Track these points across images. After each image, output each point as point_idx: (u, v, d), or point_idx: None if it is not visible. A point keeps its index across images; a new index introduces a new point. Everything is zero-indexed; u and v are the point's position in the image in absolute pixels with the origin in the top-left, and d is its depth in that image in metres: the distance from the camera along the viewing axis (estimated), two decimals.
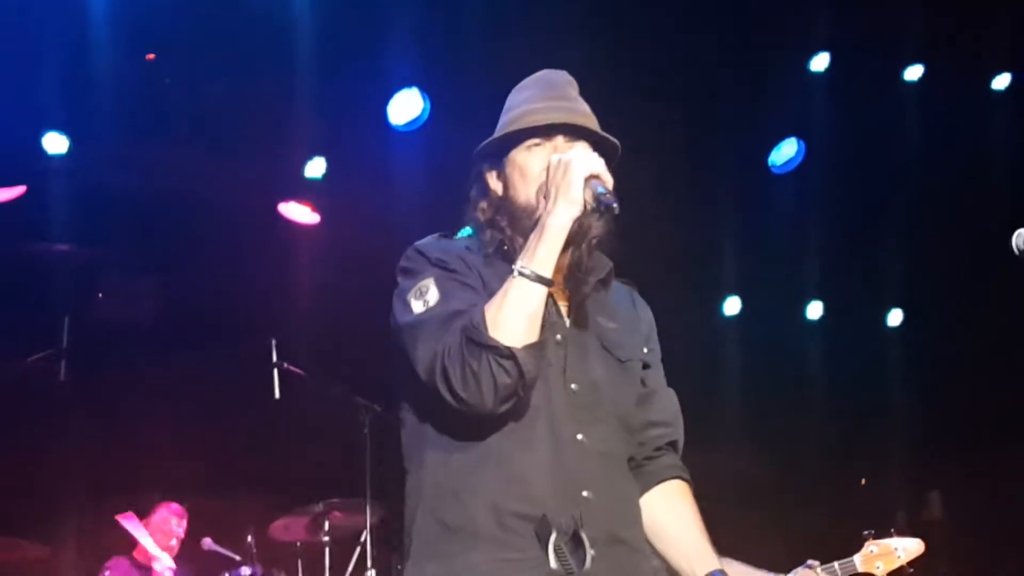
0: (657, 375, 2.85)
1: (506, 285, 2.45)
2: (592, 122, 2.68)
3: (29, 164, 6.45)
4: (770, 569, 4.21)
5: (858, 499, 8.20)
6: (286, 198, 6.67)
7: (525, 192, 2.63)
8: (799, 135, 7.00)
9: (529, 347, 2.41)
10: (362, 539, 5.75)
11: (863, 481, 8.19)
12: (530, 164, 2.63)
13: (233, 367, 6.51)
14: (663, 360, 2.91)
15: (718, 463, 7.31)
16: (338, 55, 5.97)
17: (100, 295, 7.04)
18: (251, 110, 6.16)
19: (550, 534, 2.57)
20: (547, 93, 2.74)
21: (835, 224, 7.11)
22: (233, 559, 6.10)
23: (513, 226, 2.63)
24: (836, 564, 4.07)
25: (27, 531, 6.20)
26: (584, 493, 2.60)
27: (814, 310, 8.04)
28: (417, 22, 6.13)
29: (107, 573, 6.21)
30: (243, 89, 6.08)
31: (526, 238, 2.52)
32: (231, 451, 6.97)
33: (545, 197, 2.51)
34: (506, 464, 2.58)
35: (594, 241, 2.58)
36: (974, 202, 6.86)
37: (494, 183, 2.72)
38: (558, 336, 2.63)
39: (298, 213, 6.71)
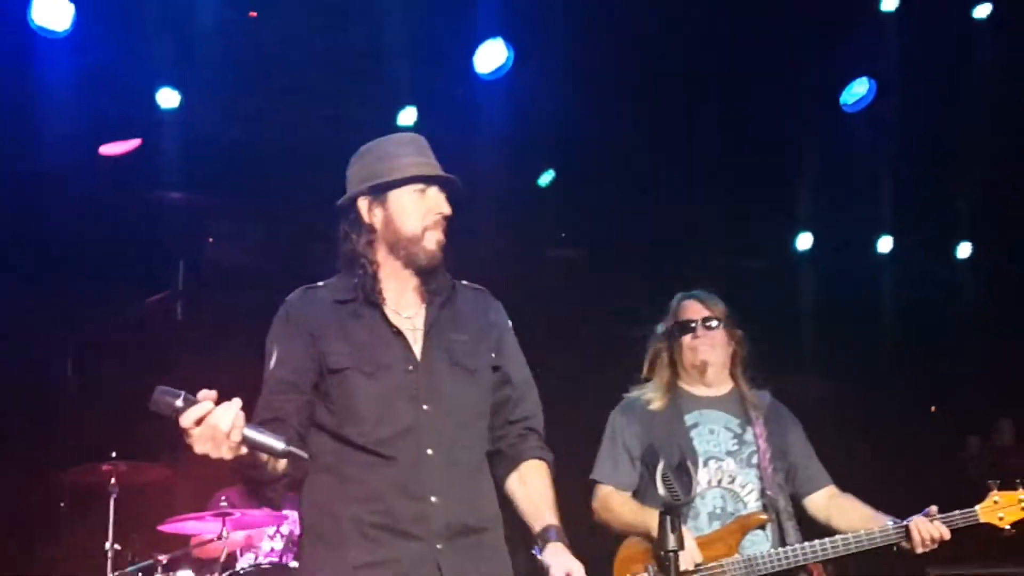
0: (514, 370, 3.28)
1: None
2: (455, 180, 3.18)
3: (144, 118, 6.60)
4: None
5: (931, 426, 8.22)
6: None
7: (411, 225, 3.09)
8: (871, 75, 6.91)
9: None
10: None
11: (932, 408, 8.14)
12: (416, 204, 3.11)
13: None
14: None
15: (792, 392, 7.39)
16: (426, 8, 5.98)
17: (211, 239, 7.19)
18: (347, 63, 6.25)
19: (657, 463, 2.89)
20: (422, 152, 3.21)
21: (906, 160, 7.06)
22: None
23: (394, 252, 3.11)
24: (957, 513, 3.98)
25: (150, 456, 6.43)
26: (432, 499, 2.99)
27: (885, 244, 7.94)
28: None
29: (222, 499, 6.45)
30: (339, 43, 6.16)
31: (405, 262, 3.11)
32: None
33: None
34: (364, 484, 3.00)
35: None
36: None
37: (372, 217, 3.13)
38: (409, 367, 3.07)
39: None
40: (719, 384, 4.32)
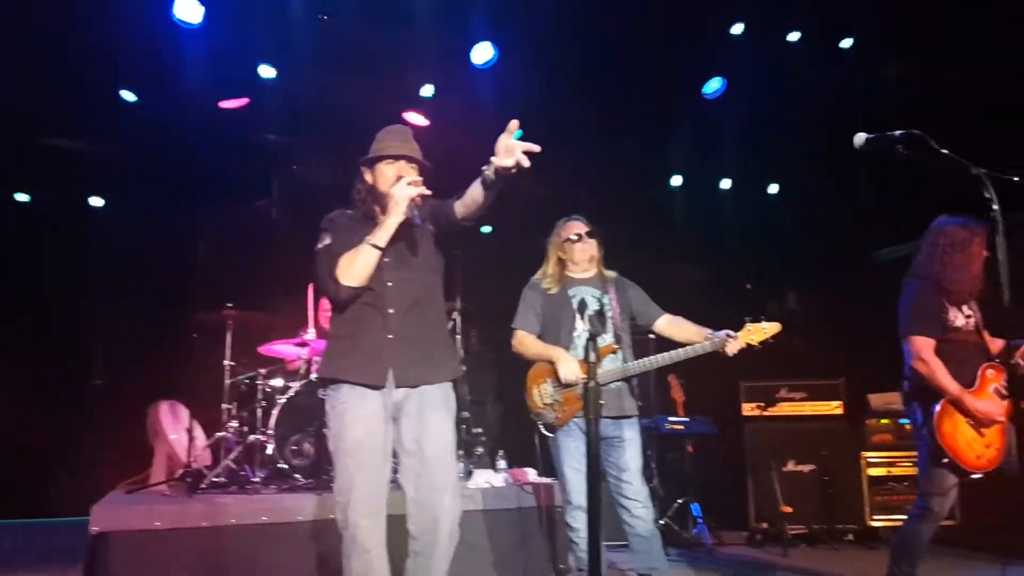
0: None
1: (360, 249, 3.10)
2: (419, 155, 3.32)
3: (251, 84, 6.55)
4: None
5: (747, 296, 8.17)
6: (408, 109, 6.71)
7: (384, 185, 3.25)
8: (723, 75, 6.99)
9: (352, 287, 3.11)
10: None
11: (748, 285, 8.29)
12: (388, 172, 3.26)
13: None
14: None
15: (671, 274, 7.46)
16: (440, 19, 5.93)
17: (295, 167, 7.05)
18: (391, 56, 6.18)
19: (585, 309, 3.02)
20: (400, 138, 3.35)
21: (741, 131, 7.17)
22: None
23: (376, 202, 3.27)
24: (724, 332, 4.07)
25: (256, 307, 6.39)
26: (389, 311, 3.20)
27: (725, 184, 7.98)
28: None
29: (303, 334, 6.40)
30: (384, 40, 6.06)
31: (382, 208, 3.20)
32: None
33: (388, 205, 3.14)
34: (351, 304, 3.21)
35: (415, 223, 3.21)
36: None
37: (368, 177, 3.32)
38: (387, 259, 3.18)
39: (415, 119, 6.75)
40: (588, 270, 4.41)
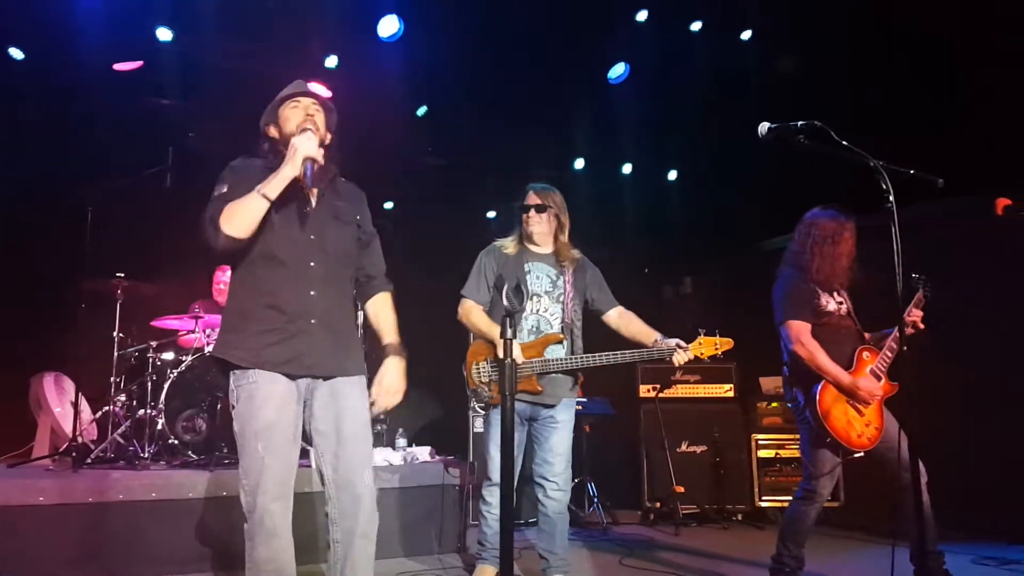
0: (368, 230, 3.27)
1: (248, 197, 2.86)
2: (324, 97, 3.23)
3: (147, 47, 6.30)
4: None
5: (647, 279, 8.39)
6: (312, 79, 6.52)
7: (287, 130, 3.09)
8: (627, 60, 7.05)
9: (232, 237, 2.86)
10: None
11: (646, 269, 8.45)
12: (293, 115, 3.12)
13: None
14: None
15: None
16: None
17: (191, 134, 6.80)
18: (294, 24, 6.04)
19: (504, 285, 2.96)
20: (297, 86, 3.22)
21: (644, 116, 7.25)
22: None
23: (284, 147, 3.02)
24: (674, 341, 4.01)
25: (147, 277, 6.25)
26: (311, 292, 3.02)
27: (627, 168, 8.13)
28: None
29: (195, 307, 6.30)
30: (288, 7, 5.95)
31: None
32: None
33: (285, 155, 2.95)
34: (265, 279, 2.99)
35: (316, 176, 2.98)
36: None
37: (273, 132, 3.16)
38: (306, 208, 3.06)
39: (319, 89, 6.55)
40: (545, 245, 4.32)
